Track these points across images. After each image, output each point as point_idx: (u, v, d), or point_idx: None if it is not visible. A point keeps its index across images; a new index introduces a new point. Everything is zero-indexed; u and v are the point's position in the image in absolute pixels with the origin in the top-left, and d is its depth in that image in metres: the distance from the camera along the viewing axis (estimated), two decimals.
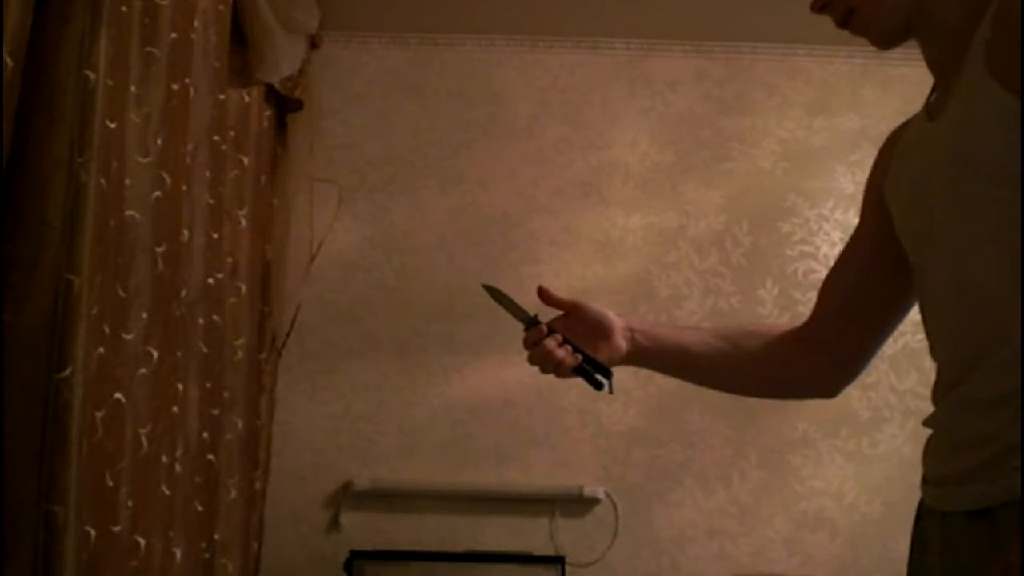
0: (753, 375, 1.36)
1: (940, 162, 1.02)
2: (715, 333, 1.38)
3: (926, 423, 1.11)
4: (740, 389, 1.48)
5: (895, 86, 3.04)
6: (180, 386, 1.94)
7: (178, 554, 1.96)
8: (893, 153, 1.18)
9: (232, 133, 2.32)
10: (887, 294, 1.23)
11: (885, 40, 1.08)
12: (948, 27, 1.03)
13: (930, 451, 1.10)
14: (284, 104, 2.81)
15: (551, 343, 1.28)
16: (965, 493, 0.97)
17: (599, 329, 1.32)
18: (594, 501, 2.87)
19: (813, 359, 1.31)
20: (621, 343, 1.32)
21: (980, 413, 0.97)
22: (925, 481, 1.09)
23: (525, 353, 1.34)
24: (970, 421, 0.98)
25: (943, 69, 1.05)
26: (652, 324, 1.38)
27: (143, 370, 1.73)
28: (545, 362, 1.29)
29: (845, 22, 1.08)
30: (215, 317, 2.20)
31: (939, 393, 1.08)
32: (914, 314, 2.96)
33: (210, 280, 2.15)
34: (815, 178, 3.06)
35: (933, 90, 1.11)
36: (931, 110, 1.09)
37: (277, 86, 2.67)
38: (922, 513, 1.10)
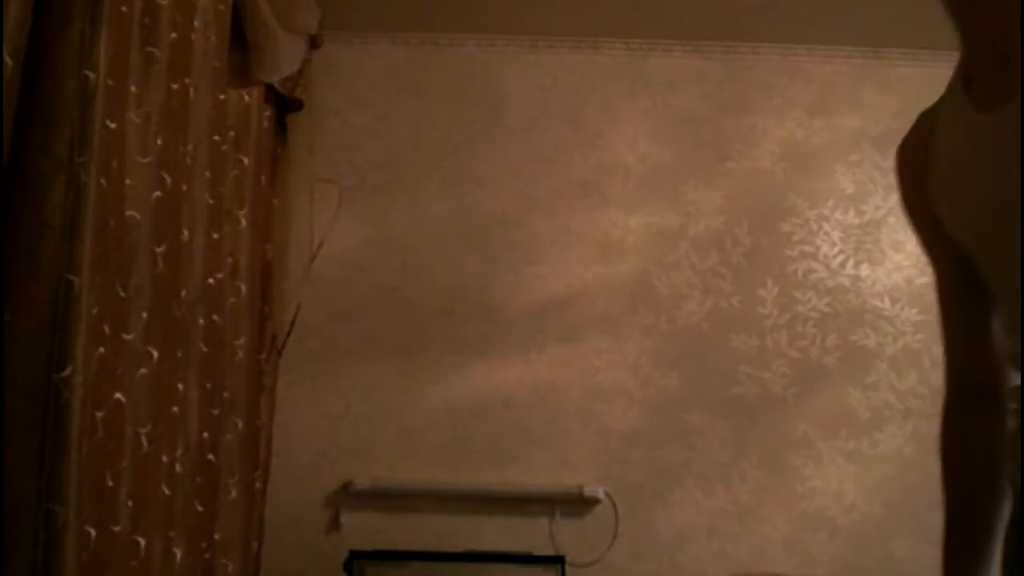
0: (992, 469, 1.21)
1: (1017, 153, 0.94)
2: (963, 507, 1.24)
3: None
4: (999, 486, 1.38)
5: (895, 86, 3.05)
6: (180, 386, 1.94)
7: (178, 554, 1.96)
8: (928, 155, 1.11)
9: (232, 133, 2.32)
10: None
11: None
12: None
13: None
14: (284, 104, 2.81)
15: None
16: None
17: None
18: (594, 501, 2.87)
19: (1000, 411, 1.20)
20: None
21: None
22: None
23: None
24: None
25: (1004, 55, 0.96)
26: None
27: (143, 370, 1.73)
28: None
29: None
30: (215, 317, 2.20)
31: None
32: (912, 315, 2.95)
33: (210, 280, 2.15)
34: (815, 178, 3.06)
35: (966, 79, 1.03)
36: (978, 101, 1.00)
37: (277, 86, 2.67)
38: None
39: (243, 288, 2.43)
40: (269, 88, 2.64)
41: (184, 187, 1.91)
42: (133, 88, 1.65)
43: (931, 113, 1.13)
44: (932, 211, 1.13)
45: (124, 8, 1.58)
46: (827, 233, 3.03)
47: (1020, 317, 1.01)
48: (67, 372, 1.38)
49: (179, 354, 1.92)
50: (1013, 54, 0.94)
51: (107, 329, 1.54)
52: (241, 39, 2.28)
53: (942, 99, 1.09)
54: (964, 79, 1.03)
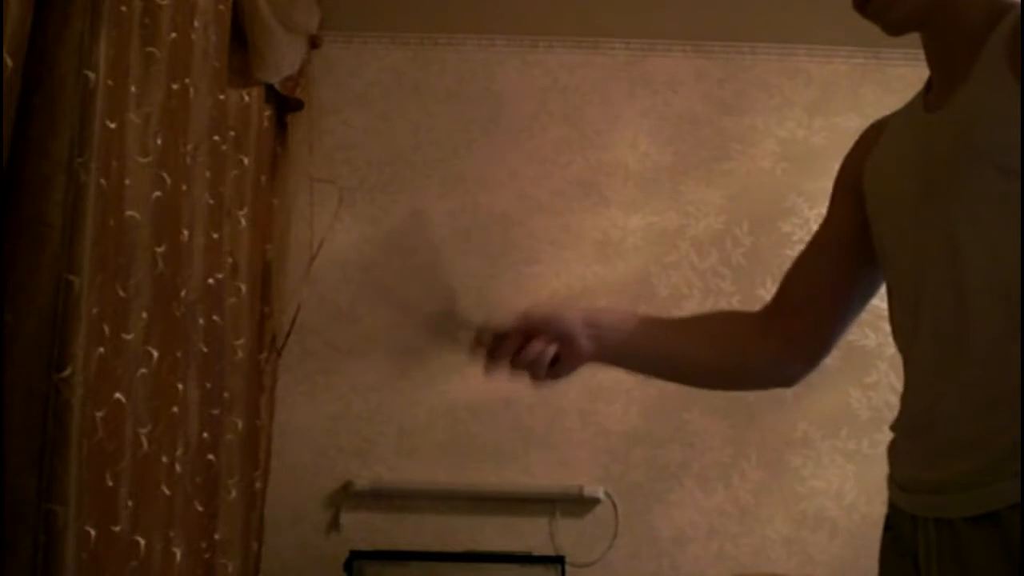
0: (714, 363, 1.29)
1: (943, 147, 1.00)
2: (678, 323, 1.35)
3: (896, 426, 1.09)
4: (695, 380, 1.41)
5: (895, 86, 3.04)
6: (180, 386, 1.94)
7: (178, 554, 1.96)
8: (874, 144, 1.16)
9: (232, 133, 2.32)
10: (854, 284, 1.21)
11: (898, 27, 1.05)
12: (969, 22, 1.00)
13: (906, 454, 1.06)
14: (284, 104, 2.81)
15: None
16: (970, 498, 0.93)
17: (561, 336, 1.23)
18: (594, 501, 2.87)
19: (773, 345, 1.27)
20: (585, 348, 1.23)
21: (975, 411, 0.94)
22: (904, 488, 1.04)
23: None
24: (963, 420, 0.95)
25: (950, 64, 1.03)
26: (612, 320, 1.28)
27: (143, 370, 1.73)
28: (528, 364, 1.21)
29: (863, 5, 1.04)
30: (215, 317, 2.20)
31: (918, 390, 1.05)
32: None
33: (210, 280, 2.15)
34: (815, 178, 3.05)
35: (928, 87, 1.09)
36: (928, 104, 1.07)
37: (277, 86, 2.67)
38: (896, 522, 1.06)
39: (243, 288, 2.43)
40: (269, 88, 2.64)
41: (184, 187, 1.91)
42: (133, 88, 1.65)
43: (902, 108, 1.17)
44: (861, 186, 1.17)
45: (124, 8, 1.58)
46: None
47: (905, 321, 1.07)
48: (67, 372, 1.38)
49: (179, 354, 1.92)
50: (957, 65, 1.01)
51: (107, 329, 1.54)
52: (241, 39, 2.28)
53: (913, 99, 1.14)
54: (927, 85, 1.10)
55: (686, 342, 1.29)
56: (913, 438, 1.06)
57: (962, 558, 0.93)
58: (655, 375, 1.37)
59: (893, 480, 1.08)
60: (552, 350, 1.20)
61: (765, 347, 1.28)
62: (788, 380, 1.31)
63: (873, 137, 1.19)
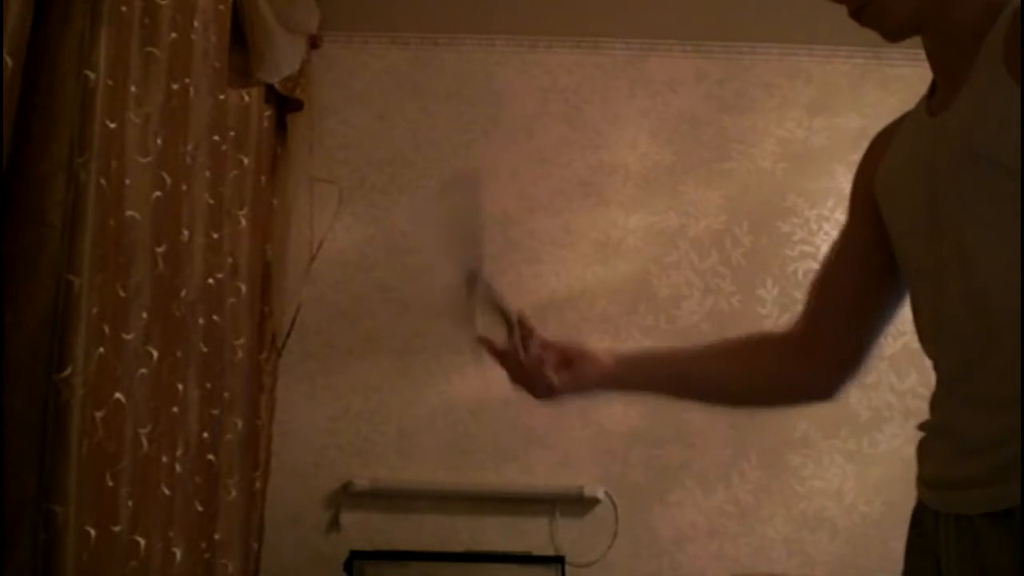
0: (747, 384, 1.34)
1: (946, 154, 1.00)
2: (704, 346, 1.37)
3: (924, 426, 1.10)
4: (734, 399, 1.46)
5: (895, 86, 3.04)
6: (180, 386, 1.94)
7: (178, 554, 1.96)
8: (885, 151, 1.16)
9: (232, 133, 2.32)
10: (881, 292, 1.20)
11: (896, 33, 1.05)
12: (965, 23, 1.00)
13: (933, 454, 1.07)
14: (284, 104, 2.81)
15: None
16: (988, 495, 0.94)
17: (576, 353, 1.34)
18: (594, 501, 2.87)
19: (808, 363, 1.29)
20: (604, 360, 1.33)
21: (996, 412, 0.95)
22: (929, 485, 1.06)
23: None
24: (985, 421, 0.96)
25: (951, 65, 1.03)
26: (636, 350, 1.35)
27: (143, 370, 1.73)
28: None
29: (858, 12, 1.05)
30: (215, 317, 2.20)
31: (944, 393, 1.05)
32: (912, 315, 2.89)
33: (210, 280, 2.15)
34: (815, 178, 3.06)
35: (931, 90, 1.09)
36: (932, 107, 1.07)
37: (277, 86, 2.67)
38: (922, 518, 1.07)
39: (243, 288, 2.43)
40: (269, 88, 2.64)
41: (184, 187, 1.91)
42: (133, 88, 1.65)
43: (909, 112, 1.17)
44: (874, 195, 1.17)
45: (124, 8, 1.58)
46: (827, 233, 3.02)
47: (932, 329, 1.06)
48: (67, 372, 1.38)
49: (179, 354, 1.92)
50: (957, 66, 1.01)
51: (107, 329, 1.54)
52: (241, 39, 2.28)
53: (919, 102, 1.14)
54: (931, 88, 1.10)
55: (714, 361, 1.33)
56: (939, 437, 1.07)
57: (980, 554, 0.95)
58: (684, 396, 1.43)
59: (920, 477, 1.09)
60: (554, 356, 1.29)
61: (797, 362, 1.30)
62: (825, 393, 1.32)
63: (882, 144, 1.19)
